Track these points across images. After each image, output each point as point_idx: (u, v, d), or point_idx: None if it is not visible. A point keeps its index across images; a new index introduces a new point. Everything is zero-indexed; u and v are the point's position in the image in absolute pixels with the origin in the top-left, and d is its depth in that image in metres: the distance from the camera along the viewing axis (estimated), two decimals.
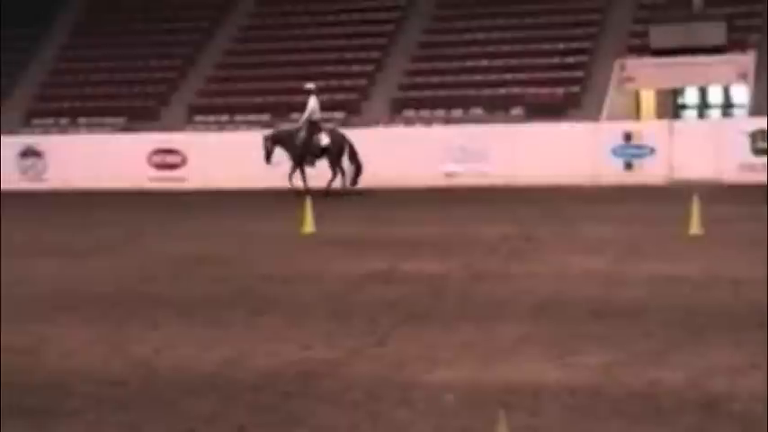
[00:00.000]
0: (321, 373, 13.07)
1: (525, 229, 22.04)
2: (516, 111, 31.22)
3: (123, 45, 38.07)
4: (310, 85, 28.68)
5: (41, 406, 12.40)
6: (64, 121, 35.12)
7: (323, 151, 27.84)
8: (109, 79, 37.00)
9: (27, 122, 35.76)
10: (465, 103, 31.88)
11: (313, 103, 28.26)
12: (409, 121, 32.07)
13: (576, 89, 31.32)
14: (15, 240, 23.73)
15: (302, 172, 27.99)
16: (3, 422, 11.96)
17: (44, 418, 12.01)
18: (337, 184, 28.63)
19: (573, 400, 11.47)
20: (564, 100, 31.07)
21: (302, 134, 27.94)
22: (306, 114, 28.22)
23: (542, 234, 21.45)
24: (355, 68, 34.78)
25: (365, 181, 29.66)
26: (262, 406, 12.06)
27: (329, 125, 29.16)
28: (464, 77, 32.95)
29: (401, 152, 29.94)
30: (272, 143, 27.95)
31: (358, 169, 28.30)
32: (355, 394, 12.30)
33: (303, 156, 27.85)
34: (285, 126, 29.56)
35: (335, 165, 28.06)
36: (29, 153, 33.55)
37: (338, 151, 27.94)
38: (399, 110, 32.46)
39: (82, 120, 35.11)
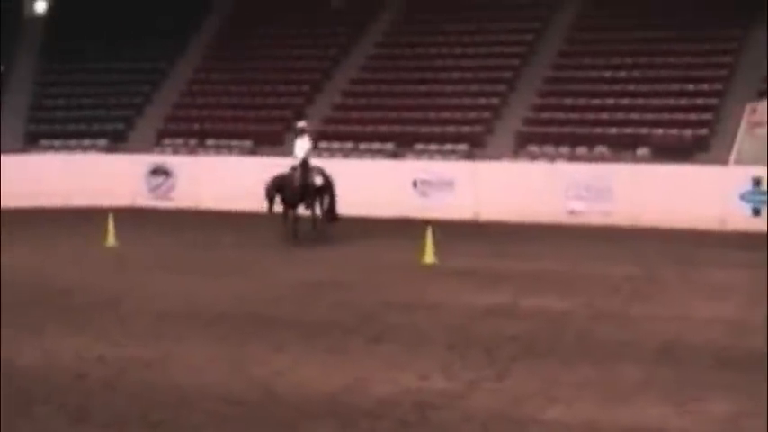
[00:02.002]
0: (438, 403, 13.10)
1: (649, 270, 21.76)
2: (642, 151, 30.88)
3: (253, 70, 38.77)
4: (302, 124, 26.94)
5: (164, 420, 12.67)
6: (193, 141, 35.86)
7: (317, 192, 25.84)
8: (238, 103, 37.69)
9: (158, 142, 36.62)
10: (590, 141, 31.65)
11: (307, 142, 26.37)
12: (533, 157, 31.97)
13: (704, 132, 30.87)
14: (144, 256, 24.30)
15: (294, 216, 25.74)
16: None
17: None
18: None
19: None
20: (692, 142, 30.66)
21: (298, 176, 25.58)
22: (303, 155, 25.87)
23: (666, 276, 21.16)
24: (481, 101, 34.79)
25: (489, 214, 29.67)
26: None
27: (314, 165, 26.42)
28: (590, 115, 32.72)
29: (525, 187, 29.84)
30: (275, 191, 25.52)
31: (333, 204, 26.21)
32: (471, 427, 12.30)
33: (301, 199, 25.66)
34: (280, 171, 26.17)
35: (333, 204, 26.10)
36: (158, 171, 34.36)
37: (331, 190, 26.00)
38: (524, 145, 32.37)
39: (210, 141, 35.80)
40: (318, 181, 25.64)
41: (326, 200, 25.91)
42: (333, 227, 26.26)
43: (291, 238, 25.33)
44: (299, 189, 25.35)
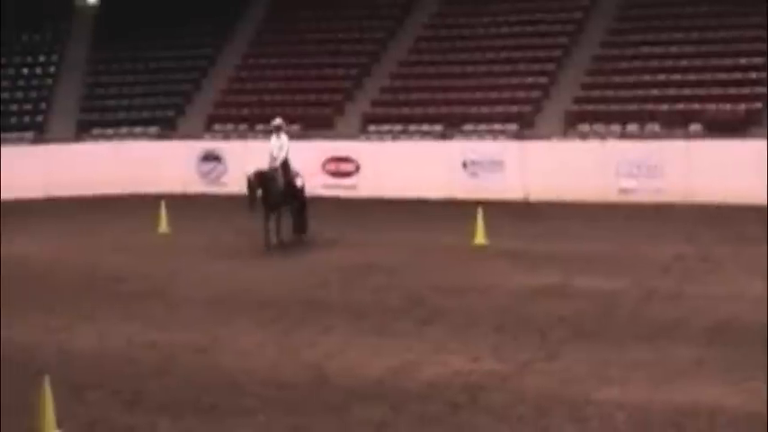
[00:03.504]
0: (489, 385, 13.07)
1: (701, 248, 21.53)
2: (695, 127, 30.51)
3: (301, 54, 38.77)
4: (278, 121, 23.76)
5: (216, 404, 12.77)
6: (243, 127, 35.94)
7: (295, 193, 23.30)
8: (286, 87, 37.73)
9: (208, 128, 36.76)
10: (641, 118, 31.33)
11: (285, 140, 23.48)
12: (583, 135, 31.71)
13: (758, 106, 30.44)
14: (196, 242, 24.43)
15: (277, 221, 22.94)
16: (182, 417, 12.38)
17: (218, 416, 12.37)
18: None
19: (751, 427, 11.16)
20: (745, 117, 30.26)
21: (281, 176, 22.96)
22: (283, 153, 23.16)
23: (719, 254, 20.89)
24: (529, 80, 34.55)
25: (538, 194, 29.53)
26: (430, 416, 12.12)
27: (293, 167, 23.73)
28: (640, 92, 32.36)
29: (575, 166, 29.62)
30: (257, 184, 22.55)
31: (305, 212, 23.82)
32: (523, 409, 12.25)
33: (284, 200, 22.97)
34: (265, 167, 23.20)
35: (304, 215, 23.62)
36: (209, 157, 34.52)
37: (304, 197, 23.62)
38: (573, 123, 32.10)
39: (259, 126, 35.84)
40: (299, 182, 23.34)
41: (300, 206, 23.49)
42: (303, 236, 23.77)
43: (274, 242, 22.70)
44: (282, 189, 22.82)
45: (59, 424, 11.71)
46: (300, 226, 23.49)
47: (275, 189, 22.64)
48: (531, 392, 12.75)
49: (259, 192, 22.66)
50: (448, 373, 13.54)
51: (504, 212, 26.48)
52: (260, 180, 22.60)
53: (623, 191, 28.92)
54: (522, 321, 16.06)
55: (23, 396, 12.56)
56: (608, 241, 22.75)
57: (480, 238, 22.83)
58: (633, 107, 31.37)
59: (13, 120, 36.62)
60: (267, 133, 35.40)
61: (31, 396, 12.03)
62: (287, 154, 23.33)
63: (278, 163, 23.04)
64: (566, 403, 12.35)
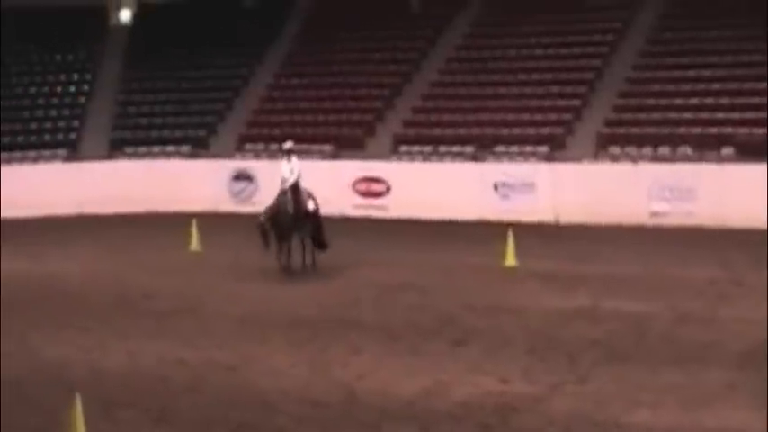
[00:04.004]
0: (520, 407, 13.04)
1: (734, 273, 21.39)
2: (727, 151, 30.40)
3: (333, 74, 38.90)
4: (289, 145, 23.56)
5: (246, 422, 12.80)
6: (274, 146, 36.00)
7: (309, 217, 22.70)
8: (318, 107, 37.85)
9: (240, 147, 36.91)
10: (673, 141, 31.24)
11: (296, 164, 23.13)
12: (615, 158, 31.65)
13: None
14: (227, 261, 24.51)
15: (288, 248, 22.38)
16: None
17: None
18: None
19: None
20: None
21: (290, 202, 22.38)
22: (294, 177, 22.80)
23: (751, 279, 20.71)
24: (561, 103, 34.49)
25: (569, 216, 29.45)
26: None
27: (304, 188, 23.16)
28: (673, 115, 32.24)
29: (606, 189, 29.55)
30: (270, 225, 22.14)
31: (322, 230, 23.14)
32: (554, 431, 12.23)
33: (295, 227, 22.39)
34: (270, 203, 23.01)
35: (321, 235, 22.93)
36: (240, 177, 34.63)
37: (319, 218, 22.98)
38: (605, 146, 32.03)
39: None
40: (311, 206, 22.83)
41: (316, 226, 22.91)
42: (324, 255, 23.15)
43: (287, 270, 22.23)
44: (293, 216, 22.31)
45: None
46: (321, 244, 23.01)
47: (284, 220, 22.20)
48: (562, 415, 12.71)
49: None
50: (479, 395, 13.53)
51: (535, 234, 26.42)
52: (269, 218, 22.24)
53: (655, 214, 28.79)
54: (553, 343, 16.01)
55: (55, 413, 12.63)
56: (639, 264, 22.64)
57: (511, 259, 22.79)
58: (665, 130, 31.25)
59: (47, 137, 36.90)
60: (298, 153, 35.73)
61: (62, 413, 12.08)
62: (298, 178, 22.97)
63: (288, 186, 22.69)
64: (596, 426, 12.32)
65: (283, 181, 22.94)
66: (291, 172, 22.95)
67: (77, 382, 13.75)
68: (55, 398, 13.28)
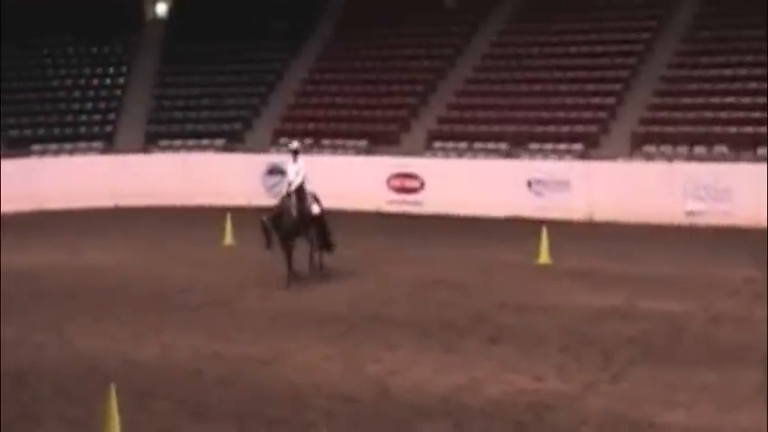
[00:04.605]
0: (553, 405, 13.00)
1: None
2: (763, 150, 30.19)
3: (367, 70, 38.93)
4: (295, 145, 22.55)
5: (280, 416, 12.82)
6: (309, 141, 36.10)
7: (313, 221, 21.73)
8: (352, 103, 37.90)
9: (274, 141, 36.98)
10: (709, 141, 31.06)
11: (302, 165, 21.96)
12: (650, 157, 31.51)
13: None
14: (260, 255, 24.55)
15: (289, 254, 21.29)
16: (247, 429, 12.45)
17: (283, 429, 12.42)
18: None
19: None
20: None
21: (295, 204, 21.41)
22: (299, 179, 21.62)
23: None
24: (596, 101, 34.38)
25: (603, 214, 29.33)
26: None
27: (309, 190, 22.12)
28: (708, 114, 32.06)
29: (641, 187, 29.43)
30: (272, 225, 21.02)
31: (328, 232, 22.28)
32: (587, 430, 12.18)
33: (298, 231, 21.46)
34: (276, 202, 22.11)
35: (327, 236, 22.07)
36: (275, 171, 34.68)
37: (324, 221, 22.04)
38: (640, 144, 31.89)
39: (325, 141, 36.05)
40: (315, 209, 21.84)
41: (321, 229, 21.99)
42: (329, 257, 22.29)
43: (290, 274, 21.08)
44: (297, 219, 21.34)
45: None
46: (327, 246, 22.09)
47: (287, 222, 21.19)
48: (596, 414, 12.67)
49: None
50: (513, 392, 13.50)
51: (569, 232, 26.35)
52: (272, 218, 21.14)
53: (690, 213, 28.63)
54: (587, 342, 15.96)
55: (90, 405, 12.71)
56: (674, 263, 22.53)
57: (544, 257, 22.74)
58: (701, 129, 31.09)
59: (83, 130, 37.16)
60: (333, 148, 35.85)
61: (97, 405, 12.15)
62: (303, 180, 21.79)
63: (293, 188, 21.54)
64: (630, 425, 12.27)
65: (288, 183, 21.85)
66: (297, 173, 21.81)
67: (112, 373, 13.81)
68: (90, 389, 13.37)
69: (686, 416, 12.49)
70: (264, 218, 21.09)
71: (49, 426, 12.64)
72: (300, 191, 21.72)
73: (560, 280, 20.85)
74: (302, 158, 22.16)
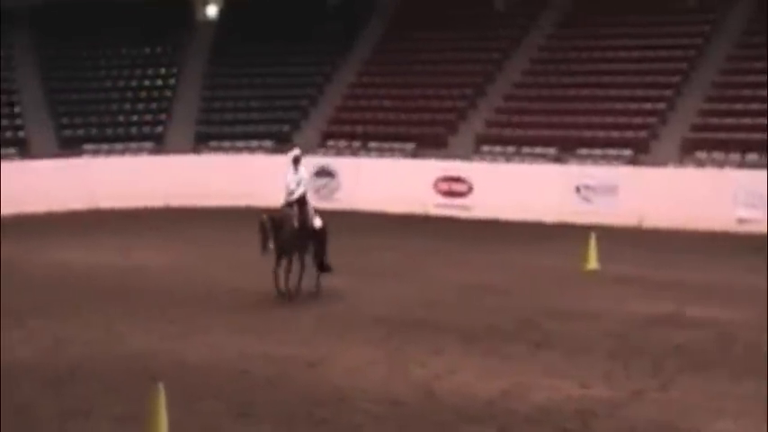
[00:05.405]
0: (600, 412, 12.93)
1: None
2: None
3: (416, 73, 38.97)
4: (297, 152, 21.01)
5: (326, 418, 12.85)
6: (356, 143, 36.23)
7: (313, 234, 20.28)
8: (400, 106, 37.95)
9: (322, 143, 37.14)
10: (762, 147, 30.76)
11: (304, 173, 20.66)
12: (700, 163, 31.29)
13: None
14: (306, 258, 24.61)
15: (287, 267, 19.83)
16: (293, 430, 12.50)
17: (329, 430, 12.44)
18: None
19: None
20: None
21: (297, 215, 19.99)
22: (301, 189, 20.27)
23: None
24: (647, 106, 34.19)
25: (653, 220, 29.13)
26: None
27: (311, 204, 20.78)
28: (762, 120, 31.79)
29: (691, 194, 29.22)
30: (271, 227, 19.58)
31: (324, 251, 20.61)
32: None
33: (296, 244, 19.95)
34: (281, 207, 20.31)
35: (324, 253, 20.44)
36: (323, 172, 34.87)
37: (325, 236, 20.54)
38: (690, 151, 31.66)
39: (373, 144, 36.12)
40: (318, 222, 20.43)
41: (321, 245, 20.46)
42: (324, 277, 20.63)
43: (282, 289, 19.68)
44: (297, 231, 19.92)
45: (172, 431, 11.91)
46: (323, 266, 20.47)
47: (287, 233, 19.74)
48: (643, 422, 12.58)
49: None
50: (559, 398, 13.44)
51: (617, 238, 26.21)
52: (273, 225, 19.69)
53: (741, 221, 28.39)
54: (635, 349, 15.86)
55: (138, 402, 12.80)
56: (724, 271, 22.35)
57: (592, 262, 22.64)
58: (754, 136, 30.81)
59: (134, 130, 37.50)
60: (380, 151, 35.90)
61: (145, 403, 12.25)
62: (305, 190, 20.53)
63: (294, 198, 20.20)
64: None
65: (289, 192, 20.32)
66: (298, 183, 20.38)
67: (160, 372, 13.92)
68: (138, 387, 13.45)
69: (735, 425, 12.39)
70: (264, 217, 19.77)
71: (97, 422, 12.76)
72: (302, 202, 20.34)
73: (608, 286, 20.75)
74: (304, 167, 20.82)
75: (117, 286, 21.31)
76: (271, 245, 19.56)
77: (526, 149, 33.48)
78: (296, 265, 19.94)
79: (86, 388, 14.08)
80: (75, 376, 14.66)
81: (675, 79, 34.25)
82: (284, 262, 19.80)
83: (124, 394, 13.71)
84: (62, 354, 15.92)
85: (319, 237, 20.38)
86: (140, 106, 38.71)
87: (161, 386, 11.82)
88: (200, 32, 42.16)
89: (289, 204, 20.16)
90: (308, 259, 20.25)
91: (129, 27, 39.97)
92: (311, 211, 20.45)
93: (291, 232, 19.82)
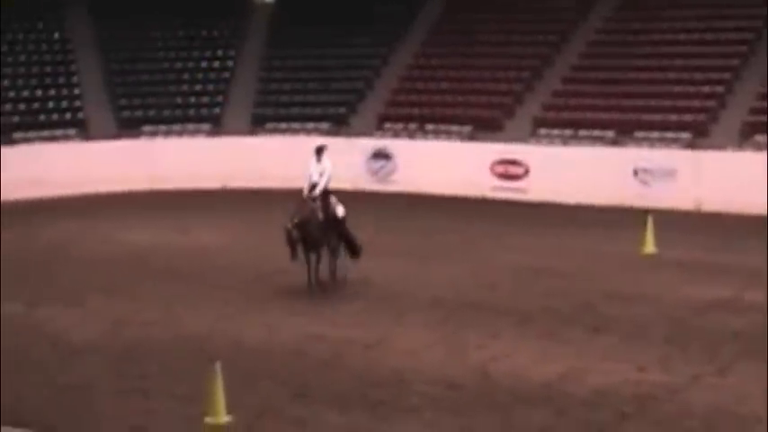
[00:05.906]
0: (658, 396, 12.89)
1: None
2: None
3: (472, 56, 38.82)
4: (321, 143, 21.22)
5: (383, 400, 12.94)
6: (413, 126, 36.19)
7: (336, 223, 20.00)
8: (457, 88, 37.86)
9: (379, 126, 37.15)
10: None
11: (328, 165, 20.26)
12: (760, 147, 30.91)
13: None
14: (363, 239, 24.69)
15: (317, 261, 19.51)
16: (350, 411, 12.59)
17: (385, 412, 12.53)
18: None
19: None
20: None
21: (321, 208, 19.71)
22: (324, 180, 19.98)
23: None
24: (705, 89, 33.84)
25: (711, 204, 28.85)
26: (596, 423, 12.05)
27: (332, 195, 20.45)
28: None
29: (750, 178, 28.88)
30: (298, 234, 19.13)
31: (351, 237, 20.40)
32: (692, 423, 12.05)
33: (325, 237, 19.61)
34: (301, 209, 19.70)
35: (352, 241, 20.21)
36: (379, 155, 34.89)
37: (345, 224, 20.22)
38: (750, 134, 31.29)
39: (429, 126, 36.08)
40: (340, 211, 20.12)
41: (345, 233, 20.23)
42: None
43: (314, 284, 19.29)
44: (323, 223, 19.59)
45: (230, 410, 12.06)
46: (353, 250, 20.26)
47: (314, 226, 19.40)
48: (701, 407, 12.53)
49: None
50: (616, 382, 13.42)
51: (675, 222, 25.98)
52: (299, 228, 19.23)
53: None
54: (693, 334, 15.77)
55: (196, 382, 12.96)
56: None
57: (650, 246, 22.49)
58: None
59: (192, 112, 37.74)
60: (437, 133, 35.88)
61: (202, 383, 12.40)
62: (328, 181, 20.12)
63: (317, 192, 19.88)
64: (736, 419, 12.12)
65: (311, 184, 20.05)
66: (321, 174, 20.12)
67: (218, 352, 14.05)
68: (196, 367, 13.61)
69: None
70: (289, 226, 19.21)
71: (156, 401, 12.95)
72: (326, 194, 20.06)
73: (666, 270, 20.61)
74: (327, 157, 20.38)
75: (174, 266, 21.53)
76: (300, 253, 19.27)
77: (583, 132, 33.25)
78: (325, 257, 19.75)
79: (145, 368, 14.28)
80: (133, 356, 14.87)
81: (734, 62, 33.83)
82: (313, 257, 19.49)
83: (182, 374, 13.89)
84: (121, 334, 16.14)
85: (340, 227, 20.08)
86: (198, 88, 38.91)
87: (218, 367, 11.96)
88: (257, 15, 42.27)
89: (312, 198, 19.87)
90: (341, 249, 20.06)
91: (187, 10, 40.18)
92: (334, 201, 20.22)
93: (317, 225, 19.53)
